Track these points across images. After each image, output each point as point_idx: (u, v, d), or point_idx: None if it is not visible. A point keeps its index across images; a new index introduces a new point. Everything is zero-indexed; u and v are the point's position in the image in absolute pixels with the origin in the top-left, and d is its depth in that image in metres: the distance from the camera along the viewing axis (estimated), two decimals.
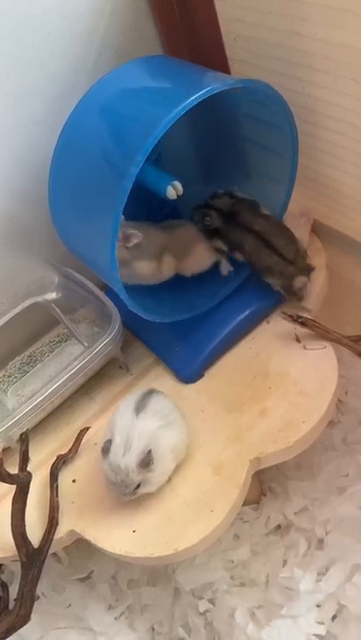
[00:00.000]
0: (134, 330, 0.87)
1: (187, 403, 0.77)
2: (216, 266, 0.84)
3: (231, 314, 0.81)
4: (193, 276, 0.83)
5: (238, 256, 0.80)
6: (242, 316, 0.81)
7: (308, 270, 0.78)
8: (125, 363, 0.84)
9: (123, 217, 0.65)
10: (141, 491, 0.66)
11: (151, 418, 0.67)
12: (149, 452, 0.64)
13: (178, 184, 0.73)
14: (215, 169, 0.86)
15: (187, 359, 0.81)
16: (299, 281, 0.78)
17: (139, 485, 0.65)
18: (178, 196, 0.73)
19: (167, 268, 0.80)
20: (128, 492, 0.65)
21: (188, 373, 0.81)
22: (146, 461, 0.64)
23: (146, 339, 0.86)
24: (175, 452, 0.68)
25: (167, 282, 0.81)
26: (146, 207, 0.81)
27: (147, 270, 0.78)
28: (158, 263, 0.79)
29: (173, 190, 0.73)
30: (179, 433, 0.69)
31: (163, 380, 0.82)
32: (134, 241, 0.74)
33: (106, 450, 0.65)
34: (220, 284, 0.83)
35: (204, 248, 0.82)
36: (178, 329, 0.81)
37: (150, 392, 0.71)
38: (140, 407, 0.68)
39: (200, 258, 0.82)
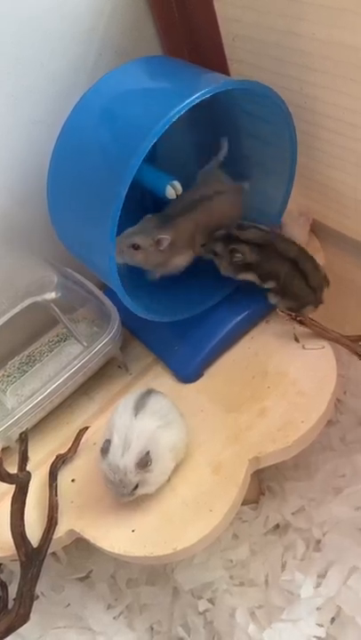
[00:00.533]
0: (133, 329, 0.87)
1: (186, 402, 0.77)
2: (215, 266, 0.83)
3: (230, 313, 0.82)
4: (192, 276, 0.83)
5: (270, 284, 0.79)
6: (241, 316, 0.81)
7: (321, 302, 0.79)
8: (124, 362, 0.84)
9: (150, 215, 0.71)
10: (140, 491, 0.66)
11: (150, 418, 0.67)
12: (148, 452, 0.64)
13: (177, 184, 0.73)
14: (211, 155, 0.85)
15: (186, 359, 0.81)
16: (309, 310, 0.78)
17: (137, 486, 0.65)
18: (177, 195, 0.73)
19: (200, 249, 0.81)
20: (126, 493, 0.65)
21: (188, 373, 0.81)
22: (144, 462, 0.64)
23: (145, 338, 0.86)
24: (174, 452, 0.68)
25: (166, 281, 0.81)
26: (144, 206, 0.81)
27: (185, 261, 0.79)
28: (192, 247, 0.79)
29: (173, 190, 0.73)
30: (178, 432, 0.69)
31: (162, 380, 0.82)
32: (165, 243, 0.74)
33: (105, 450, 0.65)
34: (220, 283, 0.83)
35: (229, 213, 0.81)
36: (177, 328, 0.81)
37: (149, 392, 0.71)
38: (138, 407, 0.68)
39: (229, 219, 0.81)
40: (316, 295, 0.78)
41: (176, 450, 0.69)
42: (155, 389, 0.72)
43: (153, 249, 0.75)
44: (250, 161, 0.82)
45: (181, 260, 0.80)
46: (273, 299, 0.80)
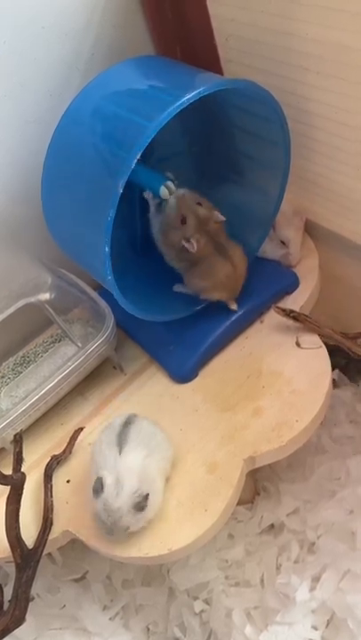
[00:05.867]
0: (128, 330, 0.87)
1: (181, 402, 0.78)
2: None
3: (225, 313, 0.82)
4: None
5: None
6: (236, 316, 0.82)
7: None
8: (119, 363, 0.84)
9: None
10: (131, 530, 0.65)
11: (134, 450, 0.66)
12: (147, 496, 0.64)
13: (171, 184, 0.74)
14: (208, 163, 0.86)
15: (181, 359, 0.81)
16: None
17: (128, 528, 0.64)
18: (170, 194, 0.74)
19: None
20: (115, 539, 0.65)
21: (183, 373, 0.81)
22: (141, 506, 0.63)
23: (140, 338, 0.86)
24: (163, 472, 0.69)
25: (162, 280, 0.82)
26: (139, 205, 0.81)
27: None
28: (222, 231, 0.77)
29: (167, 191, 0.74)
30: (164, 453, 0.69)
31: (156, 380, 0.82)
32: (195, 244, 0.74)
33: (97, 490, 0.64)
34: None
35: None
36: (172, 328, 0.82)
37: (127, 422, 0.69)
38: (121, 442, 0.67)
39: None
40: None
41: (165, 469, 0.69)
42: (132, 415, 0.71)
43: (190, 252, 0.75)
44: (244, 157, 0.83)
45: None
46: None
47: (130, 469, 0.64)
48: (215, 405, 0.77)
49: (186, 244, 0.74)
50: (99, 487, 0.64)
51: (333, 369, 0.76)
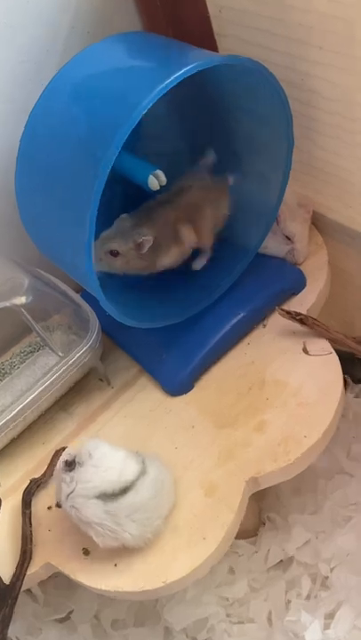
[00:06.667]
0: (115, 337, 0.86)
1: (175, 417, 0.77)
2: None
3: (224, 317, 0.81)
4: (181, 275, 0.82)
5: None
6: (236, 319, 0.81)
7: None
8: (106, 374, 0.83)
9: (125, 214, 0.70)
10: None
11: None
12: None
13: (160, 173, 0.73)
14: (203, 141, 0.85)
15: (174, 369, 0.80)
16: None
17: None
18: (161, 186, 0.73)
19: (189, 239, 0.80)
20: None
21: (176, 385, 0.80)
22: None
23: (128, 347, 0.86)
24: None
25: (152, 281, 0.81)
26: (123, 196, 0.80)
27: (172, 259, 0.79)
28: (179, 243, 0.79)
29: (156, 180, 0.73)
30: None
31: (147, 393, 0.82)
32: (147, 245, 0.74)
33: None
34: (212, 282, 0.83)
35: (214, 207, 0.82)
36: (164, 335, 0.80)
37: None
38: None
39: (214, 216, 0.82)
40: None
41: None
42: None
43: (134, 253, 0.75)
44: (244, 140, 0.82)
45: (168, 260, 0.80)
46: None
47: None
48: (213, 420, 0.76)
49: (141, 249, 0.75)
50: None
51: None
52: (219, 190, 0.82)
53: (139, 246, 0.75)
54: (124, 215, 0.77)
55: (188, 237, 0.80)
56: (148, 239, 0.75)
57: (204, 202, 0.80)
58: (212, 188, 0.81)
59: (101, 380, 0.84)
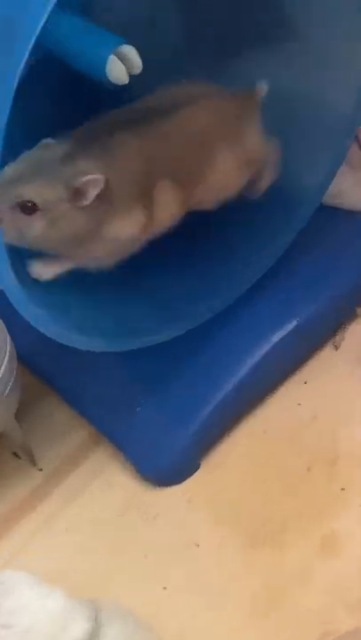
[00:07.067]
0: (46, 372, 0.67)
1: (162, 529, 0.60)
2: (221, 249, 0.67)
3: (257, 328, 0.63)
4: (164, 259, 0.63)
5: None
6: (281, 333, 0.62)
7: None
8: (26, 444, 0.64)
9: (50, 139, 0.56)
10: None
11: None
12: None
13: (131, 50, 0.57)
14: (209, 33, 0.66)
15: (160, 433, 0.61)
16: None
17: None
18: (130, 74, 0.58)
19: (166, 209, 0.62)
20: None
21: (165, 464, 0.61)
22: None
23: (72, 392, 0.66)
24: None
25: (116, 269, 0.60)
26: (73, 103, 0.62)
27: (132, 231, 0.61)
28: (146, 208, 0.61)
29: (121, 66, 0.57)
30: None
31: (108, 481, 0.62)
32: (94, 192, 0.56)
33: None
34: (241, 262, 0.64)
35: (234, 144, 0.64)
36: (142, 367, 0.63)
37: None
38: None
39: (227, 168, 0.63)
40: None
41: None
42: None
43: (67, 207, 0.56)
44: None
45: (125, 230, 0.60)
46: None
47: None
48: (238, 532, 0.59)
49: (80, 198, 0.56)
50: None
51: None
52: (244, 110, 0.64)
53: (77, 194, 0.55)
54: (48, 140, 0.59)
55: (168, 204, 0.62)
56: (95, 179, 0.55)
57: (215, 133, 0.63)
58: (231, 108, 0.64)
59: (17, 455, 0.65)
